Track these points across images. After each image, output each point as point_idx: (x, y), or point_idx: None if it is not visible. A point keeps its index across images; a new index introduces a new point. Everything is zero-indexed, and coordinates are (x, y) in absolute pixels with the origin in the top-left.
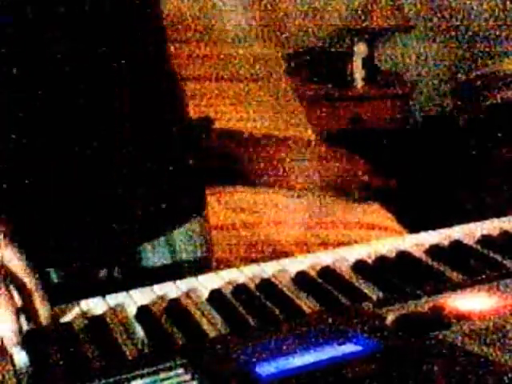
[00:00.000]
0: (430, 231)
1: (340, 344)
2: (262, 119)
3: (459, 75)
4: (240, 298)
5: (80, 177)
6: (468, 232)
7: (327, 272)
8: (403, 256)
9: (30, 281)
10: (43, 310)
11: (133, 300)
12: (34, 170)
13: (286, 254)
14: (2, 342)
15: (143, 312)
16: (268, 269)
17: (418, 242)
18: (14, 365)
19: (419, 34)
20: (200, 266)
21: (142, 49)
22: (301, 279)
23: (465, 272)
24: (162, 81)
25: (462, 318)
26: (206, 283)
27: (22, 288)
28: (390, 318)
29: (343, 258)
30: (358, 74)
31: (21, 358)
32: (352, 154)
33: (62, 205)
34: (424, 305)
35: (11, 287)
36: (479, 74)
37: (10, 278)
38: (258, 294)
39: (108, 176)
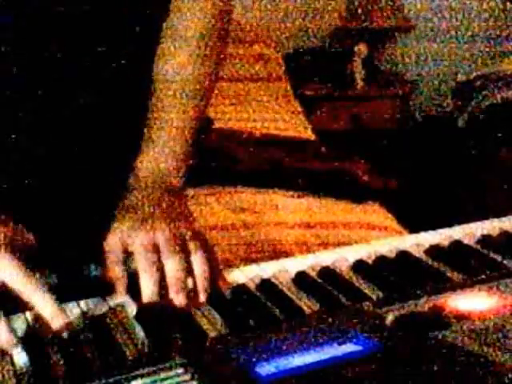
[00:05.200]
0: (430, 231)
1: (340, 344)
2: (262, 119)
3: (459, 75)
4: (240, 298)
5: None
6: (468, 232)
7: (327, 272)
8: (403, 256)
9: (23, 286)
10: (47, 312)
11: (133, 300)
12: None
13: (286, 254)
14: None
15: (143, 312)
16: (268, 269)
17: (418, 242)
18: (13, 365)
19: (419, 33)
20: None
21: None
22: (301, 279)
23: (465, 272)
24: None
25: (461, 317)
26: None
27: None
28: (390, 318)
29: (343, 258)
30: (358, 74)
31: (21, 358)
32: (352, 153)
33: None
34: (424, 305)
35: None
36: (479, 74)
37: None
38: (257, 294)
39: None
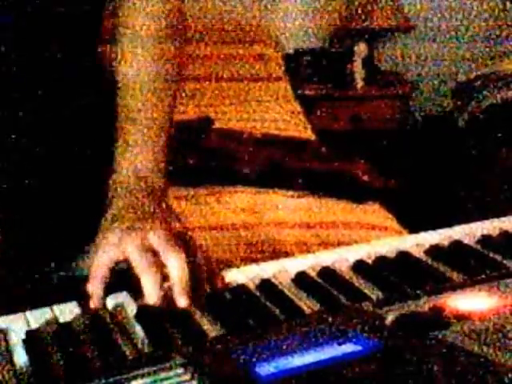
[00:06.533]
0: (430, 231)
1: (340, 344)
2: (262, 119)
3: (459, 75)
4: (240, 298)
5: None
6: (468, 232)
7: (327, 272)
8: (403, 256)
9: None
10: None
11: (133, 300)
12: None
13: (286, 254)
14: (2, 342)
15: (143, 312)
16: (268, 269)
17: (418, 242)
18: (13, 365)
19: (419, 34)
20: None
21: None
22: (301, 279)
23: (465, 272)
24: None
25: (461, 317)
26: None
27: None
28: (390, 318)
29: (343, 258)
30: (358, 73)
31: (21, 358)
32: (352, 153)
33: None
34: (424, 305)
35: None
36: (479, 74)
37: None
38: (257, 294)
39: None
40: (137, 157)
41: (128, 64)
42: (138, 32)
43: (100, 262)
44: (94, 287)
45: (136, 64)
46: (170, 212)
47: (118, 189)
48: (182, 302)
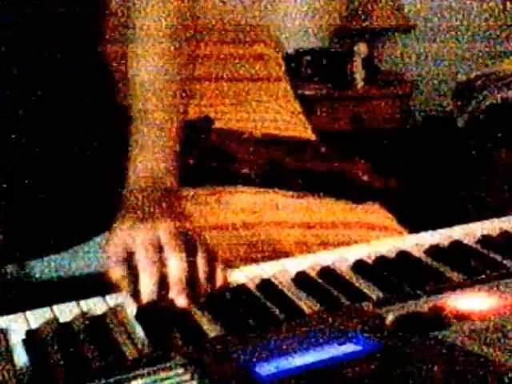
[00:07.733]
0: (430, 231)
1: (340, 344)
2: (262, 119)
3: (459, 75)
4: (240, 298)
5: None
6: (468, 232)
7: (327, 272)
8: (403, 256)
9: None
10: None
11: (133, 300)
12: None
13: (286, 254)
14: (2, 342)
15: (143, 312)
16: (268, 269)
17: (418, 242)
18: (14, 365)
19: (419, 33)
20: None
21: None
22: (301, 279)
23: (465, 272)
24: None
25: (461, 317)
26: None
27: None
28: (390, 317)
29: (343, 258)
30: (358, 74)
31: (21, 358)
32: (352, 153)
33: None
34: (424, 305)
35: None
36: (479, 73)
37: None
38: (257, 294)
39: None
40: (146, 156)
41: (140, 65)
42: (148, 32)
43: (114, 250)
44: (118, 273)
45: (148, 65)
46: (179, 211)
47: (128, 188)
48: (180, 301)
